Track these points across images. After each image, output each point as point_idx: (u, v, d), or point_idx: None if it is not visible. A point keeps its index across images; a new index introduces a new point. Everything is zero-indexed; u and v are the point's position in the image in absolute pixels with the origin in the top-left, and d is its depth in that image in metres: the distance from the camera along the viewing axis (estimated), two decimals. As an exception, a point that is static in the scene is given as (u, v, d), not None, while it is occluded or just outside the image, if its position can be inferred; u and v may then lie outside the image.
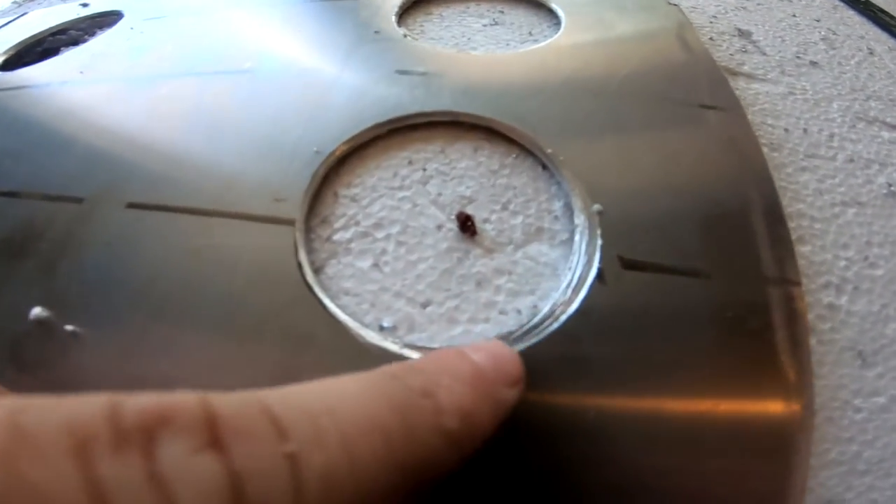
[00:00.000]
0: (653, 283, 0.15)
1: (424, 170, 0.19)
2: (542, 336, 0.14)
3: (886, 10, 0.30)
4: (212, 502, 0.06)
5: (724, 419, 0.13)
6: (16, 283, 0.16)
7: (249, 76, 0.23)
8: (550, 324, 0.15)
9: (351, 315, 0.15)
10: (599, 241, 0.16)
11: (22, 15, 0.32)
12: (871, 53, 0.26)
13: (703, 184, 0.18)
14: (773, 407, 0.14)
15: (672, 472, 0.13)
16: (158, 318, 0.15)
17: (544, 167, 0.19)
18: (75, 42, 0.28)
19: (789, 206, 0.18)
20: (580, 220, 0.17)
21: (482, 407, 0.10)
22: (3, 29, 0.30)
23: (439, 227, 0.17)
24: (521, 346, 0.14)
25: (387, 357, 0.14)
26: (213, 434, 0.07)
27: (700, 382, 0.14)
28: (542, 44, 0.24)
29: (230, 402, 0.07)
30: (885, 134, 0.21)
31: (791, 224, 0.17)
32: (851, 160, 0.20)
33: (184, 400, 0.07)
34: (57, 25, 0.29)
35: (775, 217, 0.17)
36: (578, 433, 0.13)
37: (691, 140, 0.19)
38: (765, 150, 0.19)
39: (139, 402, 0.07)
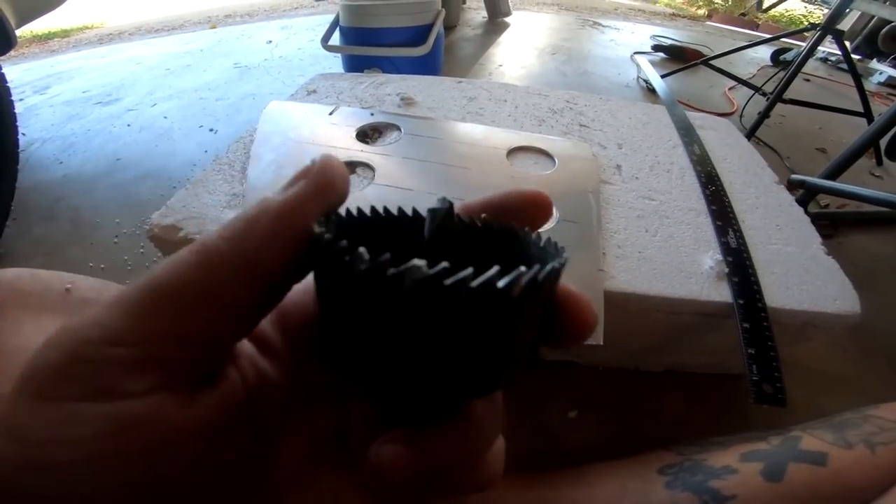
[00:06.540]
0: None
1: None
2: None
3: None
4: None
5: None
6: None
7: (463, 171, 0.77)
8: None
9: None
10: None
11: (336, 109, 0.89)
12: (668, 172, 0.72)
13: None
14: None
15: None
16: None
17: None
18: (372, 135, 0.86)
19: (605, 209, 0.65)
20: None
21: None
22: (332, 116, 0.90)
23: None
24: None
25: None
26: None
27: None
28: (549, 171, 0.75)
29: None
30: (647, 202, 0.67)
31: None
32: (629, 207, 0.67)
33: None
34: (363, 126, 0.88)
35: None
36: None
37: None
38: (604, 204, 0.67)
39: None
